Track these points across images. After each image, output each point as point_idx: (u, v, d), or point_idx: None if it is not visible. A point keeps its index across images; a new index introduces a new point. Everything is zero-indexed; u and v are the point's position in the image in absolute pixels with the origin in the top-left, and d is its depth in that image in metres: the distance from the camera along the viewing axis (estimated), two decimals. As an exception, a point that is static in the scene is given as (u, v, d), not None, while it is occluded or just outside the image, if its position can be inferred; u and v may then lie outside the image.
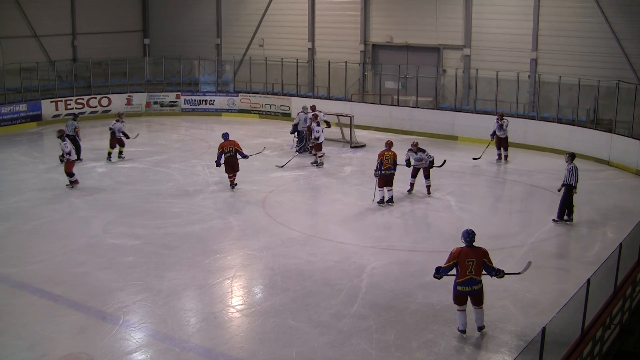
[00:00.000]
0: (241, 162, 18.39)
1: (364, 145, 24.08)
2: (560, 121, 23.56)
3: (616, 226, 15.64)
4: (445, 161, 18.33)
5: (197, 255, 13.78)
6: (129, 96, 30.22)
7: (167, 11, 35.15)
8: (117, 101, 29.82)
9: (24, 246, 14.28)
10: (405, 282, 12.51)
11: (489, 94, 25.46)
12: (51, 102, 28.21)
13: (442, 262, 10.39)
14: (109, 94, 29.93)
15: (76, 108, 28.59)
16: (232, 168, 18.21)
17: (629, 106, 21.41)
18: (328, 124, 23.38)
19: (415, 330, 10.65)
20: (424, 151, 17.63)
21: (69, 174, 18.53)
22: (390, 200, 17.03)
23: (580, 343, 8.69)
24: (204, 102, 30.88)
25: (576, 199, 15.95)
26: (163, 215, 16.33)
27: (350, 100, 28.32)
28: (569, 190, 15.53)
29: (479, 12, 26.32)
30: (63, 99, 28.63)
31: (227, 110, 30.68)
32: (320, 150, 21.07)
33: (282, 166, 20.80)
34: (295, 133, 22.70)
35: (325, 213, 17.10)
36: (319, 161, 21.04)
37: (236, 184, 18.36)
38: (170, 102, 30.82)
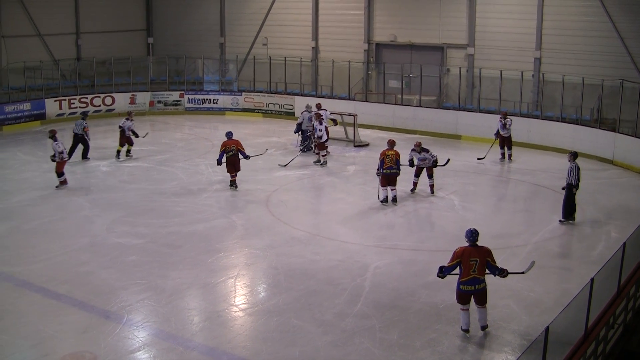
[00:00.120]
0: (244, 161, 18.39)
1: (367, 145, 24.07)
2: (564, 120, 23.52)
3: (620, 225, 15.60)
4: (448, 160, 18.31)
5: (201, 254, 13.79)
6: (132, 95, 30.25)
7: (171, 10, 35.16)
8: (121, 100, 29.85)
9: (27, 245, 14.30)
10: (408, 281, 12.51)
11: (493, 93, 25.42)
12: (55, 101, 28.26)
13: (445, 262, 10.39)
14: (112, 93, 29.96)
15: (80, 107, 28.62)
16: (233, 167, 18.20)
17: (633, 105, 21.35)
18: (335, 122, 23.42)
19: (418, 330, 10.64)
20: (427, 151, 17.62)
21: (59, 174, 18.43)
22: (394, 200, 17.01)
23: (584, 343, 8.67)
24: (207, 101, 30.88)
25: (580, 198, 15.93)
26: (166, 214, 16.34)
27: (353, 100, 28.30)
28: (570, 189, 15.53)
29: (482, 12, 26.27)
30: (67, 98, 28.66)
31: (231, 109, 30.68)
32: (324, 149, 21.06)
33: (285, 165, 20.80)
34: (300, 132, 22.68)
35: (329, 212, 17.10)
36: (322, 160, 21.04)
37: (237, 185, 18.34)
38: (173, 101, 30.84)
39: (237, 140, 18.30)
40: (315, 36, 30.75)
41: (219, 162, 18.20)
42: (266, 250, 14.03)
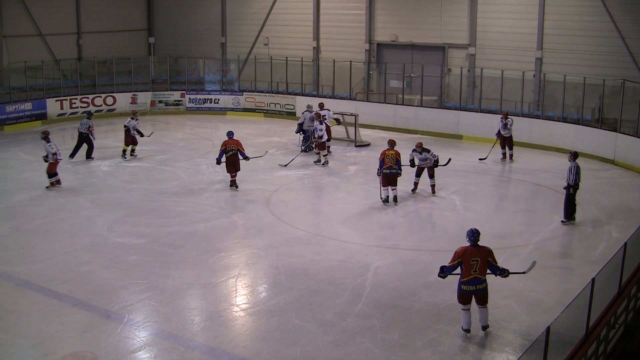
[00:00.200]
0: (245, 161, 18.38)
1: (368, 144, 24.06)
2: (565, 120, 23.51)
3: (621, 225, 15.59)
4: (449, 160, 18.31)
5: (202, 254, 13.79)
6: (133, 95, 30.26)
7: (172, 10, 35.17)
8: (122, 100, 29.87)
9: (29, 245, 14.31)
10: (409, 281, 12.50)
11: (494, 93, 25.40)
12: (56, 100, 28.26)
13: (446, 261, 10.39)
14: (113, 92, 29.96)
15: (81, 107, 28.65)
16: (233, 167, 18.20)
17: (634, 105, 21.33)
18: (338, 121, 23.48)
19: (419, 330, 10.64)
20: (428, 151, 17.61)
21: (51, 174, 18.31)
22: (394, 200, 17.01)
23: (585, 342, 8.67)
24: (208, 101, 30.89)
25: (581, 198, 15.93)
26: (167, 214, 16.35)
27: (355, 99, 28.30)
28: (569, 189, 15.53)
29: (484, 11, 26.26)
30: (68, 97, 28.66)
31: (232, 109, 30.69)
32: (324, 149, 21.06)
33: (286, 165, 20.80)
34: (301, 132, 22.67)
35: (330, 212, 17.09)
36: (322, 160, 21.04)
37: (237, 185, 18.34)
38: (175, 100, 30.84)
39: (237, 140, 18.30)
40: (317, 36, 30.75)
41: (218, 162, 18.21)
42: (267, 250, 14.03)
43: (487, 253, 10.15)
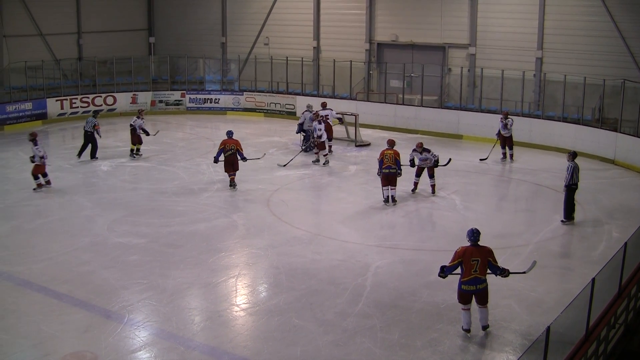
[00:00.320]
0: (242, 162, 18.37)
1: (369, 144, 24.06)
2: (565, 120, 23.51)
3: (621, 225, 15.59)
4: (450, 160, 18.31)
5: (202, 253, 13.80)
6: (134, 95, 30.27)
7: (172, 10, 35.17)
8: (122, 100, 29.89)
9: (29, 245, 14.31)
10: (409, 281, 12.50)
11: (494, 93, 25.40)
12: (56, 100, 28.28)
13: (446, 261, 10.39)
14: (114, 92, 29.98)
15: (81, 107, 28.68)
16: (231, 166, 18.19)
17: (634, 105, 21.34)
18: (341, 120, 23.52)
19: (419, 329, 10.64)
20: (428, 151, 17.60)
21: (36, 176, 18.09)
22: (393, 199, 17.00)
23: (585, 342, 8.67)
24: (209, 101, 30.89)
25: (581, 198, 15.93)
26: (168, 214, 16.35)
27: (355, 99, 28.30)
28: (568, 189, 15.54)
29: (484, 11, 26.25)
30: (68, 97, 28.68)
31: (232, 109, 30.69)
32: (324, 148, 21.07)
33: (285, 165, 20.80)
34: (302, 132, 22.66)
35: (330, 212, 17.09)
36: (321, 160, 21.03)
37: (236, 185, 18.35)
38: (175, 100, 30.84)
39: (237, 140, 18.29)
40: (317, 36, 30.75)
41: (216, 160, 18.21)
42: (267, 249, 14.03)
43: (488, 253, 10.16)
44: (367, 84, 29.38)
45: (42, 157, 18.09)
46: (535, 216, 16.98)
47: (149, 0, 35.60)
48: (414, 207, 17.17)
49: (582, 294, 8.88)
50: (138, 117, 21.76)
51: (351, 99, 28.24)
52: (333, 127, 23.08)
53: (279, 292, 12.06)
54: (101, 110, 28.60)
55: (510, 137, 21.42)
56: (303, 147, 22.29)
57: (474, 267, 10.05)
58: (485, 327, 10.46)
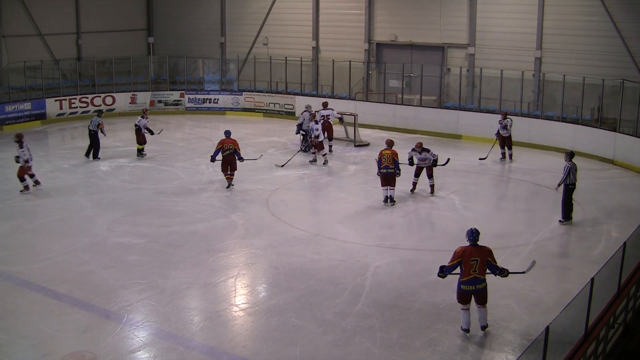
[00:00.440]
0: (239, 162, 18.37)
1: (368, 144, 24.06)
2: (564, 120, 23.53)
3: (620, 225, 15.60)
4: (448, 160, 18.30)
5: (201, 253, 13.80)
6: (133, 95, 30.27)
7: (171, 10, 35.15)
8: (121, 100, 29.89)
9: (29, 245, 14.31)
10: (409, 281, 12.51)
11: (493, 93, 25.42)
12: (55, 100, 28.28)
13: (446, 261, 10.39)
14: (113, 92, 29.97)
15: (80, 107, 28.69)
16: (229, 166, 18.19)
17: (633, 105, 21.36)
18: (341, 120, 23.57)
19: (419, 329, 10.64)
20: (428, 151, 17.60)
21: (22, 178, 17.94)
22: (392, 199, 17.00)
23: (584, 342, 8.67)
24: (208, 101, 30.89)
25: (580, 198, 15.94)
26: (167, 214, 16.35)
27: (354, 99, 28.30)
28: (565, 189, 15.56)
29: (483, 11, 26.26)
30: (67, 97, 28.68)
31: (231, 109, 30.70)
32: (322, 148, 21.07)
33: (282, 165, 20.79)
34: (302, 132, 22.65)
35: (329, 212, 17.08)
36: (320, 159, 21.04)
37: (233, 185, 18.34)
38: (174, 100, 30.85)
39: (234, 140, 18.30)
40: (316, 36, 30.75)
41: (213, 159, 18.22)
42: (266, 249, 14.03)
43: (487, 253, 10.16)
44: (366, 84, 29.39)
45: (26, 162, 17.85)
46: (535, 216, 16.99)
47: (148, 1, 35.59)
48: (413, 207, 17.17)
49: (581, 294, 8.88)
50: (143, 117, 21.79)
51: (350, 99, 28.24)
52: (334, 127, 23.10)
53: (278, 292, 12.06)
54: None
55: (510, 137, 21.43)
56: (302, 147, 22.29)
57: (473, 267, 10.05)
58: (484, 327, 10.47)
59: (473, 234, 10.22)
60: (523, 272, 10.81)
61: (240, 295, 12.05)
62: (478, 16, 26.36)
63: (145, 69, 32.63)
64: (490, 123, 23.18)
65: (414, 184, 17.95)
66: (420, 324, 10.84)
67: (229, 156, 18.08)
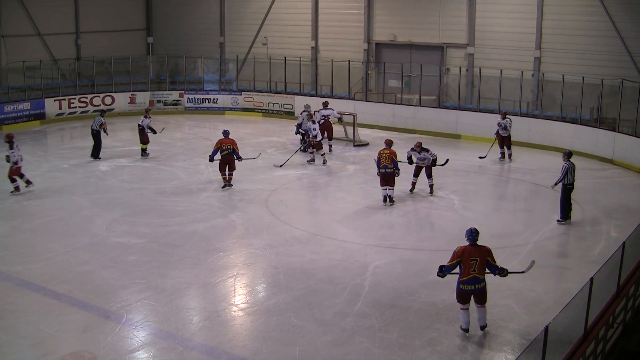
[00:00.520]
0: (237, 161, 18.37)
1: (367, 144, 24.07)
2: (563, 120, 23.54)
3: (619, 225, 15.61)
4: (447, 160, 18.29)
5: (201, 253, 13.79)
6: (132, 95, 30.26)
7: (170, 10, 35.15)
8: (121, 100, 29.89)
9: (28, 245, 14.31)
10: (408, 280, 12.51)
11: (493, 93, 25.42)
12: (54, 100, 28.27)
13: (445, 261, 10.39)
14: (112, 92, 29.97)
15: (80, 107, 28.68)
16: (227, 166, 18.18)
17: (632, 105, 21.36)
18: (340, 119, 23.70)
19: (418, 329, 10.64)
20: (427, 150, 17.60)
21: (12, 179, 17.81)
22: (391, 199, 16.99)
23: (583, 342, 8.67)
24: (207, 101, 30.89)
25: (579, 197, 15.93)
26: (166, 214, 16.35)
27: (353, 99, 28.31)
28: (564, 189, 15.56)
29: (482, 11, 26.27)
30: (66, 97, 28.68)
31: (231, 109, 30.70)
32: (321, 148, 21.07)
33: (281, 166, 20.78)
34: (302, 132, 22.64)
35: (329, 211, 17.07)
36: (319, 159, 21.04)
37: (231, 185, 18.34)
38: (173, 100, 30.84)
39: (233, 140, 18.29)
40: (315, 36, 30.75)
41: (211, 159, 18.23)
42: (266, 249, 14.03)
43: (486, 252, 10.16)
44: (366, 84, 29.39)
45: (15, 163, 17.75)
46: (534, 216, 16.99)
47: (148, 1, 35.58)
48: (412, 207, 17.18)
49: (580, 294, 8.88)
50: (145, 117, 21.80)
51: (349, 99, 28.25)
52: (334, 127, 23.11)
53: (277, 292, 12.06)
54: (94, 111, 28.55)
55: (509, 136, 21.44)
56: (301, 147, 22.29)
57: (473, 266, 10.06)
58: (483, 327, 10.47)
59: (472, 234, 10.23)
60: (522, 272, 10.82)
61: (239, 295, 12.05)
62: (477, 16, 26.37)
63: (145, 69, 32.63)
64: (489, 123, 23.18)
65: (413, 184, 17.95)
66: (419, 323, 10.84)
67: (227, 156, 18.08)
